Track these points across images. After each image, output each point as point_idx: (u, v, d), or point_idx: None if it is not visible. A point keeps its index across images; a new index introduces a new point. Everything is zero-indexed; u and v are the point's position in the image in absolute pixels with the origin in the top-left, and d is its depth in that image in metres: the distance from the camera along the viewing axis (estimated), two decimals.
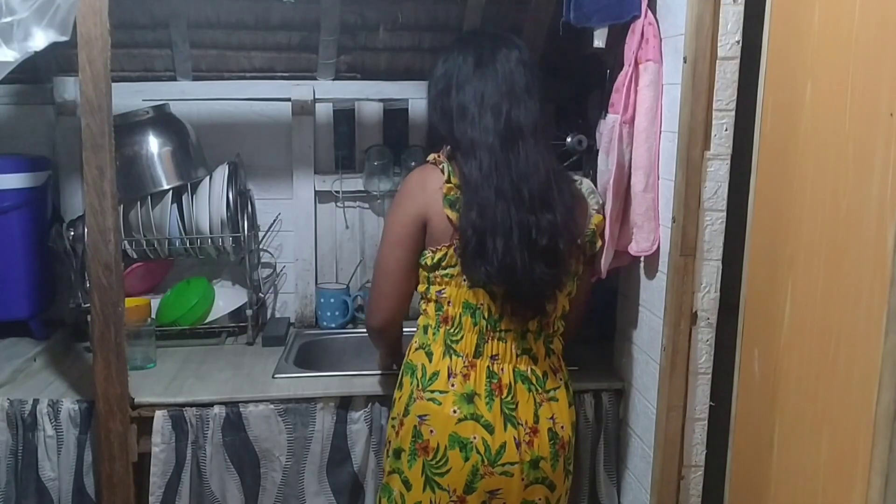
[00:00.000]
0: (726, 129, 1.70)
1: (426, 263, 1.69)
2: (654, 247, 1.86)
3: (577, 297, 1.82)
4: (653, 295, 1.90)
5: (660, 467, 1.83)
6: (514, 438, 1.62)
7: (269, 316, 2.61)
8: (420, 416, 1.63)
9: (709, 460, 1.84)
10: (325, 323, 2.54)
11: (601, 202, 1.80)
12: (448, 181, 1.66)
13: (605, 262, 1.94)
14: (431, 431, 1.62)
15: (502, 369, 1.66)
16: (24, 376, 2.11)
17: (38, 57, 1.71)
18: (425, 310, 1.73)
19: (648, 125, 1.83)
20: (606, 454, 2.08)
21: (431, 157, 1.74)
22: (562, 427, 1.69)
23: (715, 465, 1.82)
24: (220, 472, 1.95)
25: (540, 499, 1.67)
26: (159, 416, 1.92)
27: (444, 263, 1.67)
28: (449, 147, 1.72)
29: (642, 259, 1.93)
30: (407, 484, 1.65)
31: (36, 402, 1.93)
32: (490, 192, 1.61)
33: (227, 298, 2.48)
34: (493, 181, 1.62)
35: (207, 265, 2.56)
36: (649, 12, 1.83)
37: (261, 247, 2.58)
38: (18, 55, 1.65)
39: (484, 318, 1.66)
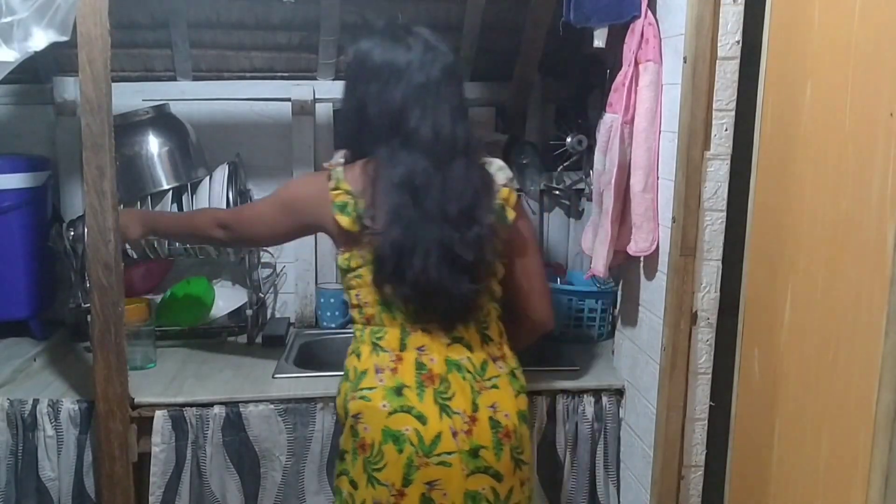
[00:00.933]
0: (726, 129, 1.70)
1: (341, 266, 1.69)
2: (654, 247, 1.86)
3: (524, 281, 1.74)
4: (653, 295, 1.90)
5: (660, 467, 1.83)
6: (451, 428, 1.59)
7: (269, 316, 2.61)
8: (355, 416, 1.62)
9: (709, 460, 1.84)
10: (325, 323, 2.54)
11: (511, 176, 1.72)
12: (336, 188, 1.64)
13: (604, 262, 1.95)
14: (366, 428, 1.61)
15: (432, 360, 1.63)
16: (24, 376, 2.11)
17: (38, 57, 1.72)
18: (353, 316, 1.72)
19: (648, 125, 1.83)
20: (606, 454, 2.08)
21: (326, 164, 1.69)
22: (505, 415, 1.64)
23: (715, 465, 1.82)
24: (220, 472, 1.95)
25: (484, 488, 1.62)
26: (159, 416, 1.92)
27: (352, 265, 1.65)
28: (347, 152, 1.68)
29: (642, 259, 1.94)
30: (353, 483, 1.64)
31: (36, 402, 1.93)
32: (413, 210, 1.57)
33: (227, 298, 2.48)
34: (419, 198, 1.58)
35: (207, 265, 2.56)
36: (649, 12, 1.83)
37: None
38: (18, 55, 1.65)
39: (402, 311, 1.63)
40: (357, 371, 1.65)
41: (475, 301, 1.64)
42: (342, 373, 1.69)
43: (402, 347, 1.63)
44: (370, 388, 1.61)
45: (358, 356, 1.67)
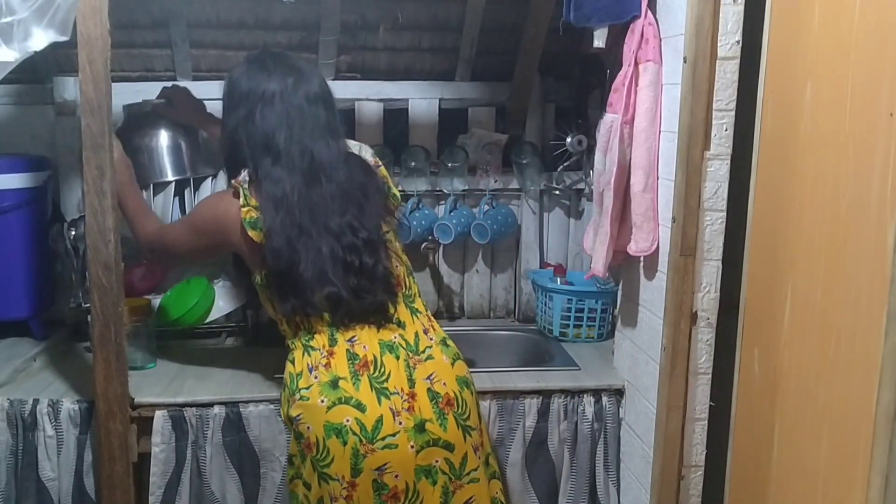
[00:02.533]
0: (726, 129, 1.70)
1: (259, 283, 1.75)
2: (654, 247, 1.86)
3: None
4: (653, 295, 1.90)
5: (660, 467, 1.83)
6: (391, 409, 1.62)
7: (269, 316, 2.61)
8: (295, 417, 1.65)
9: (709, 460, 1.84)
10: None
11: (372, 151, 1.91)
12: (245, 204, 1.70)
13: (604, 262, 1.95)
14: (308, 428, 1.63)
15: (364, 347, 1.67)
16: (24, 376, 2.11)
17: (38, 57, 1.71)
18: (282, 329, 1.77)
19: (648, 125, 1.83)
20: (606, 454, 2.08)
21: (234, 182, 1.75)
22: (443, 384, 1.68)
23: (715, 465, 1.83)
24: (220, 472, 1.95)
25: (437, 461, 1.64)
26: (159, 416, 1.92)
27: (268, 283, 1.73)
28: (247, 171, 1.74)
29: (642, 259, 1.94)
30: (307, 485, 1.66)
31: (36, 402, 1.93)
32: (291, 226, 1.67)
33: (227, 298, 2.47)
34: (296, 217, 1.67)
35: (207, 265, 2.55)
36: (649, 12, 1.83)
37: None
38: (18, 55, 1.64)
39: (329, 311, 1.69)
40: (292, 376, 1.69)
41: (383, 300, 1.71)
42: None
43: (333, 343, 1.67)
44: (307, 388, 1.64)
45: (292, 362, 1.71)
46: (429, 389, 1.66)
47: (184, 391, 1.99)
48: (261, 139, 1.72)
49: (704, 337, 1.78)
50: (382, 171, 1.87)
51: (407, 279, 1.78)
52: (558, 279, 2.51)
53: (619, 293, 2.14)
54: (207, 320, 2.42)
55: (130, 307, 2.04)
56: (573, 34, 2.02)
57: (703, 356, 1.79)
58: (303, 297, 1.67)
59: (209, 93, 2.52)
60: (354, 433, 1.60)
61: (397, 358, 1.67)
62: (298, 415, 1.64)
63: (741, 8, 1.66)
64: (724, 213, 1.73)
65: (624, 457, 2.08)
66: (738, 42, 1.67)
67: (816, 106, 1.43)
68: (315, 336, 1.69)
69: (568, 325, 2.42)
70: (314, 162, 1.71)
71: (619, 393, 2.08)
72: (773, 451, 1.55)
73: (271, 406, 1.96)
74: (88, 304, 1.82)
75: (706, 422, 1.82)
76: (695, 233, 1.74)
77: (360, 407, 1.62)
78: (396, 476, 1.62)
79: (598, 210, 2.00)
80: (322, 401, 1.62)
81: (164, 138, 2.35)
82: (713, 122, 1.70)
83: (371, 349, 1.67)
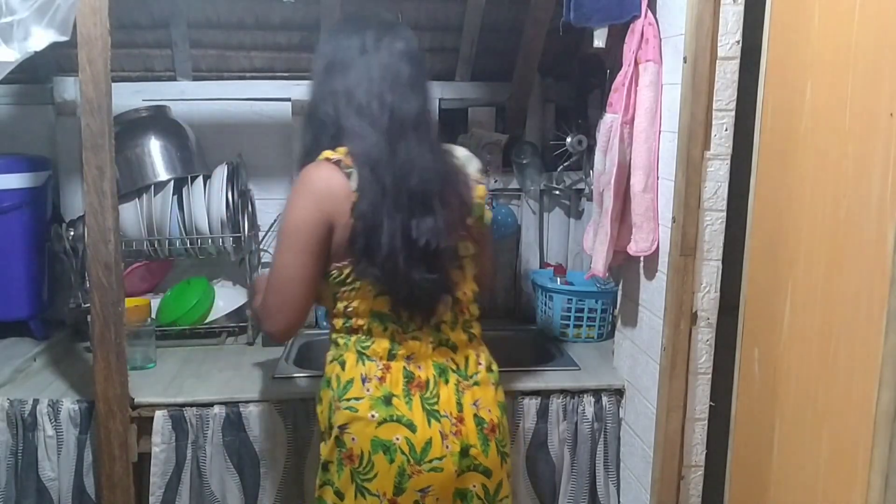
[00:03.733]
0: (726, 129, 1.70)
1: (332, 281, 1.62)
2: (654, 247, 1.86)
3: (482, 273, 1.75)
4: (653, 295, 1.90)
5: (660, 467, 1.83)
6: (440, 432, 1.59)
7: None
8: (341, 426, 1.60)
9: (709, 460, 1.84)
10: (325, 323, 2.54)
11: (480, 167, 1.73)
12: (357, 190, 1.55)
13: (604, 262, 1.95)
14: (353, 439, 1.58)
15: (419, 367, 1.62)
16: (24, 376, 2.11)
17: (38, 57, 1.71)
18: (333, 324, 1.67)
19: (648, 125, 1.83)
20: (606, 454, 2.08)
21: (330, 155, 1.57)
22: (488, 410, 1.65)
23: (715, 465, 1.82)
24: (220, 472, 1.95)
25: (475, 485, 1.63)
26: (159, 416, 1.92)
27: (350, 279, 1.60)
28: (344, 148, 1.59)
29: (642, 259, 1.94)
30: (339, 494, 1.61)
31: (36, 402, 1.93)
32: (378, 187, 1.55)
33: (227, 298, 2.48)
34: (380, 176, 1.56)
35: (207, 265, 2.56)
36: (649, 12, 1.83)
37: (261, 247, 2.58)
38: (18, 55, 1.65)
39: (393, 322, 1.61)
40: (341, 380, 1.62)
41: (436, 295, 1.61)
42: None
43: (391, 357, 1.61)
44: (357, 399, 1.59)
45: (342, 365, 1.63)
46: (475, 415, 1.63)
47: (184, 391, 1.99)
48: (343, 95, 1.60)
49: (704, 337, 1.78)
50: (480, 190, 1.70)
51: (470, 306, 1.70)
52: (558, 279, 2.51)
53: (619, 293, 2.14)
54: (207, 320, 2.43)
55: (130, 307, 2.04)
56: (573, 34, 2.02)
57: (703, 356, 1.79)
58: (372, 262, 1.55)
59: (209, 93, 2.53)
60: (403, 452, 1.57)
61: (447, 382, 1.63)
62: (345, 424, 1.59)
63: (741, 8, 1.66)
64: (724, 213, 1.73)
65: (624, 457, 2.08)
66: (738, 42, 1.67)
67: (816, 106, 1.43)
68: (373, 344, 1.62)
69: (568, 325, 2.42)
70: (394, 118, 1.58)
71: (619, 393, 2.08)
72: (773, 451, 1.55)
73: (271, 406, 1.96)
74: (88, 304, 1.82)
75: (706, 422, 1.82)
76: (695, 233, 1.74)
77: (411, 427, 1.58)
78: (437, 499, 1.60)
79: (598, 210, 2.00)
80: (373, 415, 1.58)
81: (153, 143, 2.36)
82: (713, 122, 1.70)
83: (426, 370, 1.62)
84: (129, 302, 2.05)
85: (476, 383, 1.66)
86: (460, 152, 1.73)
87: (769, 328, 1.58)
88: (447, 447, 1.58)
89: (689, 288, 1.76)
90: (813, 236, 1.43)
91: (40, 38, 1.63)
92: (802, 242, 1.46)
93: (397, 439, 1.57)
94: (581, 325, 2.41)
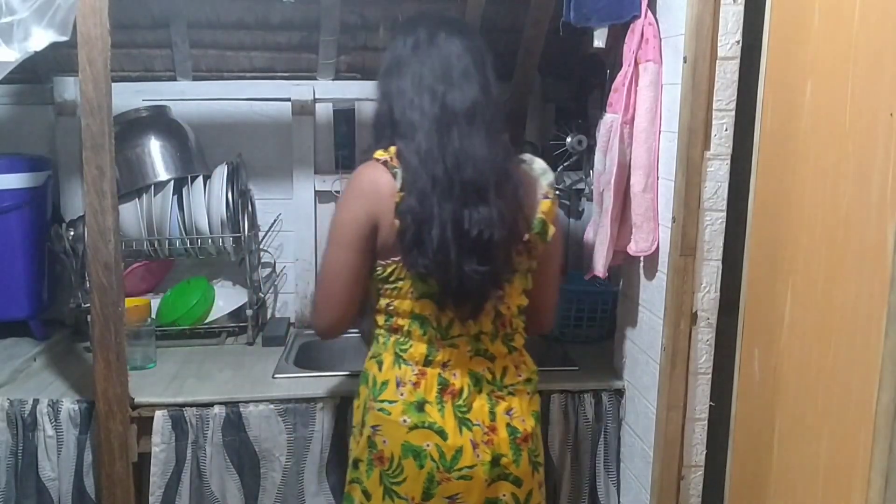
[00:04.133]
0: (726, 129, 1.70)
1: (376, 277, 1.63)
2: (654, 247, 1.86)
3: (540, 293, 1.72)
4: (653, 295, 1.90)
5: (660, 467, 1.83)
6: (471, 441, 1.58)
7: (269, 316, 2.61)
8: (373, 427, 1.61)
9: (709, 460, 1.84)
10: None
11: (552, 181, 1.70)
12: (401, 189, 1.56)
13: (604, 262, 1.95)
14: (384, 441, 1.59)
15: (454, 374, 1.61)
16: (24, 376, 2.11)
17: (38, 57, 1.72)
18: (376, 320, 1.67)
19: (648, 125, 1.83)
20: (606, 454, 2.08)
21: (380, 155, 1.60)
22: (521, 420, 1.64)
23: (715, 465, 1.82)
24: (220, 472, 1.95)
25: (505, 495, 1.62)
26: (159, 416, 1.92)
27: (392, 277, 1.61)
28: (395, 147, 1.61)
29: (642, 259, 1.94)
30: (367, 494, 1.62)
31: (36, 402, 1.93)
32: (427, 179, 1.54)
33: (227, 298, 2.48)
34: (430, 167, 1.55)
35: (207, 265, 2.56)
36: (649, 12, 1.83)
37: (261, 247, 2.58)
38: (18, 55, 1.65)
39: (432, 327, 1.61)
40: (377, 380, 1.62)
41: (487, 288, 1.59)
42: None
43: (427, 363, 1.61)
44: (390, 402, 1.59)
45: (379, 365, 1.64)
46: (508, 424, 1.62)
47: (184, 391, 1.99)
48: (397, 93, 1.61)
49: (704, 337, 1.78)
50: (545, 205, 1.66)
51: (514, 319, 1.68)
52: None
53: (619, 293, 2.14)
54: (207, 320, 2.43)
55: (130, 307, 2.04)
56: (573, 34, 2.02)
57: (703, 356, 1.78)
58: (423, 254, 1.54)
59: (209, 93, 2.53)
60: (433, 459, 1.57)
61: (480, 391, 1.62)
62: (377, 425, 1.60)
63: (741, 8, 1.66)
64: (724, 213, 1.73)
65: (624, 457, 2.08)
66: (738, 42, 1.67)
67: (816, 106, 1.43)
68: (411, 348, 1.61)
69: (568, 325, 2.42)
70: (445, 108, 1.57)
71: (619, 393, 2.08)
72: (773, 451, 1.55)
73: (271, 406, 1.96)
74: (88, 304, 1.82)
75: (706, 422, 1.82)
76: (695, 233, 1.74)
77: (442, 434, 1.57)
78: None
79: (597, 210, 2.00)
80: (405, 420, 1.58)
81: (153, 143, 2.36)
82: (713, 122, 1.70)
83: (461, 378, 1.61)
84: (129, 302, 2.05)
85: (511, 393, 1.65)
86: (537, 164, 1.71)
87: (769, 328, 1.58)
88: (478, 456, 1.58)
89: (689, 288, 1.76)
90: (813, 236, 1.43)
91: (40, 38, 1.63)
92: (802, 242, 1.46)
93: (428, 446, 1.57)
94: (581, 325, 2.41)
